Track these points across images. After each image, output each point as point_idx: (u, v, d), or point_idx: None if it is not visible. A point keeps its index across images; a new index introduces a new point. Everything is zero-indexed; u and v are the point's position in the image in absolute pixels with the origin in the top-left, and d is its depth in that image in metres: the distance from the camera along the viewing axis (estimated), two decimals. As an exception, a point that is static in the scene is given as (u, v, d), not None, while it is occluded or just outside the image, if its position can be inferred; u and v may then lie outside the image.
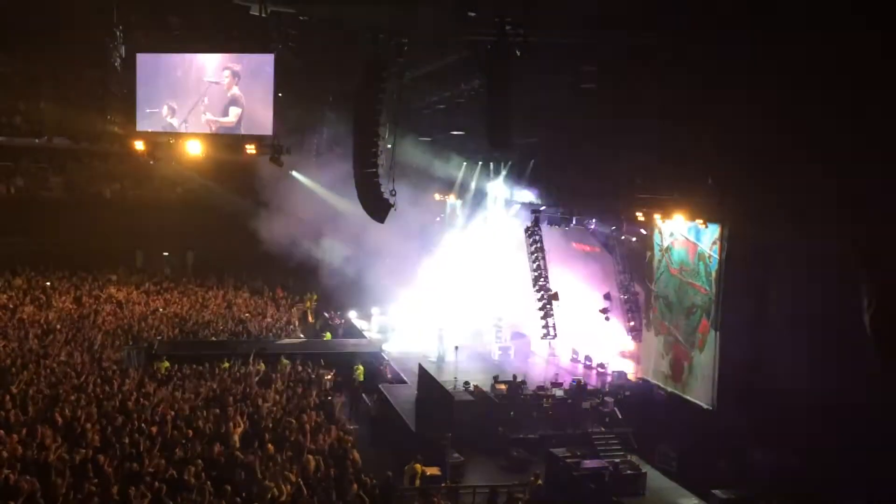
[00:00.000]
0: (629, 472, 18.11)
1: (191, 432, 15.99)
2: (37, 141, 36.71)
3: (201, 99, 22.47)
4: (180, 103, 22.66)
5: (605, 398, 21.42)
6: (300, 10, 18.77)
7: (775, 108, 16.66)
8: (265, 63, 21.01)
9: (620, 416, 20.79)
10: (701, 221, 19.22)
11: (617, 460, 18.61)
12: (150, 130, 23.23)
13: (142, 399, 18.34)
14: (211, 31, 20.96)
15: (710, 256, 19.26)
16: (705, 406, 19.21)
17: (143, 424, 16.16)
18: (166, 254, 38.80)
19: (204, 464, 14.10)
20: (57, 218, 34.75)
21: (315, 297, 33.44)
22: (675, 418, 20.12)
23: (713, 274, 19.16)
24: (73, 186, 37.72)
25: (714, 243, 19.10)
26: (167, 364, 22.46)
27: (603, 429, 20.53)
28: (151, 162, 26.42)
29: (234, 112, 22.31)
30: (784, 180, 17.55)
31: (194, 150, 22.82)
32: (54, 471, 13.21)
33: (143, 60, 22.55)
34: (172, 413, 17.26)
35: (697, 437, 19.06)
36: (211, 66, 22.16)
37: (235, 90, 22.05)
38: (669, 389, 20.81)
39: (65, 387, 18.93)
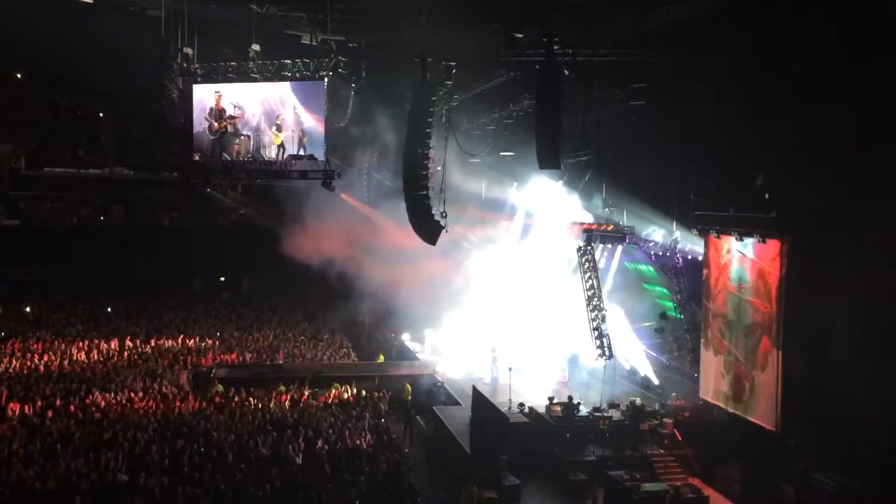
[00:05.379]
0: (690, 495, 17.64)
1: (250, 456, 16.18)
2: (98, 172, 38.08)
3: (254, 127, 23.01)
4: (235, 132, 23.22)
5: (664, 419, 20.97)
6: (350, 37, 19.16)
7: (834, 120, 16.28)
8: (317, 90, 21.44)
9: (680, 438, 20.31)
10: (759, 237, 18.76)
11: (678, 483, 18.15)
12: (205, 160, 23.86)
13: (202, 423, 18.64)
14: (265, 61, 21.46)
15: (769, 273, 18.74)
16: (768, 427, 18.60)
17: (203, 448, 16.41)
18: (223, 279, 39.57)
19: (263, 487, 14.25)
20: (118, 246, 35.75)
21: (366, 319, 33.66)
22: (737, 440, 19.52)
23: (773, 291, 18.62)
24: (132, 215, 38.87)
25: (773, 259, 18.58)
26: (221, 388, 22.73)
27: (662, 451, 20.09)
28: (207, 190, 27.05)
29: (286, 139, 22.78)
30: (846, 192, 17.07)
31: (248, 177, 23.28)
32: (120, 493, 13.52)
33: (200, 91, 23.23)
34: (232, 437, 17.49)
35: (761, 460, 18.49)
36: (263, 96, 22.70)
37: (287, 118, 22.54)
38: (731, 410, 20.22)
39: (127, 412, 19.37)
